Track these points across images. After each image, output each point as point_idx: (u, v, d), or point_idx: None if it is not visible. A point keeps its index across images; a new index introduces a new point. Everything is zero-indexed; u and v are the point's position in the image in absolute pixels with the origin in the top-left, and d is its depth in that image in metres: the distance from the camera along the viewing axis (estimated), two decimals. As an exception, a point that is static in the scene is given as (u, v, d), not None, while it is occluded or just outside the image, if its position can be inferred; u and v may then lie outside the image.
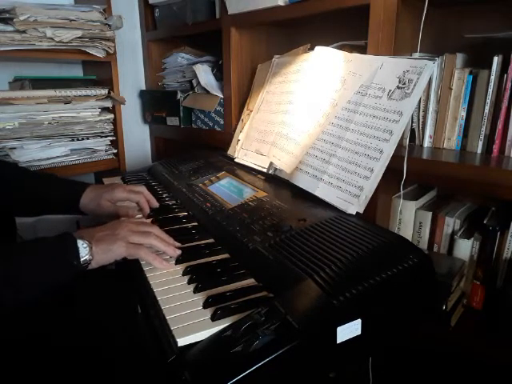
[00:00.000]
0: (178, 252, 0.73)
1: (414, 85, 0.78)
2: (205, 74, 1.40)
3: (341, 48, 1.01)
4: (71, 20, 1.26)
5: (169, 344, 0.52)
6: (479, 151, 0.88)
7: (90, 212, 0.92)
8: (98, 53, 1.34)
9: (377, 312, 0.58)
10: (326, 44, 1.03)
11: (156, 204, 0.95)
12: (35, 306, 0.64)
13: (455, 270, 0.86)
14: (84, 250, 0.65)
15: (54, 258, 0.64)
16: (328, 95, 0.93)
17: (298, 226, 0.74)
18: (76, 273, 0.65)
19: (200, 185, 1.04)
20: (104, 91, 1.41)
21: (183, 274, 0.68)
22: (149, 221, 0.89)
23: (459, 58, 0.90)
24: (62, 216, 1.41)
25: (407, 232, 0.98)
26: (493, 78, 0.83)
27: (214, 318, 0.55)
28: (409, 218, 0.97)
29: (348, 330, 0.53)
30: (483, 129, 0.87)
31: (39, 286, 0.63)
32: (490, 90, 0.84)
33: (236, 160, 1.18)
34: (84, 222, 1.41)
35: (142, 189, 0.95)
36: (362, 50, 0.94)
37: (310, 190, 0.86)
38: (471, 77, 0.88)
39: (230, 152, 1.23)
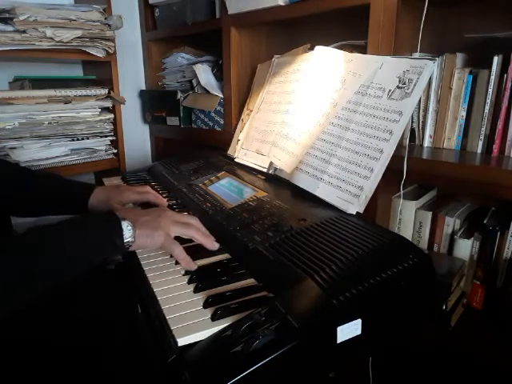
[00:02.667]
0: (217, 246, 0.74)
1: (414, 84, 0.78)
2: (205, 74, 1.40)
3: (341, 48, 1.01)
4: (71, 20, 1.25)
5: (169, 344, 0.52)
6: (479, 151, 0.88)
7: None
8: (98, 53, 1.33)
9: (377, 312, 0.58)
10: (326, 44, 1.03)
11: (165, 203, 0.96)
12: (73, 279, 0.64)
13: (455, 270, 0.86)
14: (128, 231, 0.66)
15: (100, 234, 0.66)
16: (328, 95, 0.93)
17: (298, 225, 0.74)
18: (117, 253, 0.68)
19: (200, 185, 1.04)
20: (104, 91, 1.41)
21: (183, 274, 0.68)
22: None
23: (459, 57, 0.90)
24: (62, 216, 1.41)
25: (407, 232, 0.98)
26: (493, 77, 0.83)
27: (214, 317, 0.55)
28: (409, 218, 0.97)
29: (348, 330, 0.53)
30: (483, 129, 0.87)
31: (83, 260, 0.64)
32: (490, 90, 0.84)
33: (236, 160, 1.18)
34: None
35: (148, 188, 0.97)
36: (362, 49, 0.94)
37: (310, 190, 0.86)
38: (471, 77, 0.88)
39: (230, 152, 1.23)
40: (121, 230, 0.66)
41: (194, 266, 0.69)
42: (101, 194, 0.92)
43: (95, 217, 0.70)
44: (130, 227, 0.66)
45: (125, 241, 0.66)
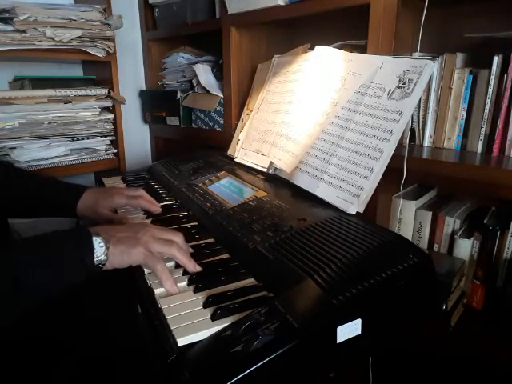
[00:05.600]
0: (198, 268, 0.67)
1: (415, 84, 0.78)
2: (205, 74, 1.40)
3: (341, 48, 1.01)
4: (71, 20, 1.25)
5: (169, 344, 0.52)
6: (479, 151, 0.88)
7: (87, 219, 0.89)
8: (98, 52, 1.34)
9: (377, 312, 0.58)
10: (326, 44, 1.03)
11: (158, 209, 0.91)
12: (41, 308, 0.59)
13: (455, 270, 0.86)
14: (100, 249, 0.60)
15: (65, 254, 0.59)
16: (328, 95, 0.93)
17: (298, 225, 0.74)
18: (88, 273, 0.60)
19: (200, 184, 1.04)
20: (104, 91, 1.41)
21: (183, 274, 0.68)
22: (148, 221, 0.88)
23: (459, 57, 0.90)
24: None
25: (407, 232, 0.98)
26: (493, 77, 0.83)
27: (214, 317, 0.55)
28: (409, 218, 0.97)
29: (348, 330, 0.53)
30: (483, 128, 0.87)
31: (47, 287, 0.58)
32: (490, 90, 0.84)
33: (236, 160, 1.18)
34: (84, 221, 1.41)
35: (141, 192, 0.91)
36: (362, 49, 0.94)
37: (310, 190, 0.86)
38: (471, 76, 0.88)
39: (230, 152, 1.23)
40: (91, 247, 0.59)
41: (176, 288, 0.62)
42: (89, 199, 0.87)
43: (63, 234, 0.62)
44: (102, 244, 0.60)
45: (95, 259, 0.59)
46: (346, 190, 0.80)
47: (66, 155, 1.38)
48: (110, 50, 1.36)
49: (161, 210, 0.91)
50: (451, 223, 0.93)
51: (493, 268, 0.86)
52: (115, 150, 1.50)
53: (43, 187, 0.92)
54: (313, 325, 0.52)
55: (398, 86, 0.80)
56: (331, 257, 0.62)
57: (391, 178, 0.82)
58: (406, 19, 0.90)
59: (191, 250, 0.72)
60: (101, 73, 1.48)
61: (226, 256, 0.74)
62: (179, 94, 1.47)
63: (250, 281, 0.65)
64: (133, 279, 0.71)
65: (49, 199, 0.90)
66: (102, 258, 0.60)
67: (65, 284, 0.60)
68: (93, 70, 1.54)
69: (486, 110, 0.85)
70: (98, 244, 0.60)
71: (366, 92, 0.85)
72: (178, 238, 0.69)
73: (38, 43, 1.21)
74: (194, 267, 0.67)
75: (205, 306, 0.59)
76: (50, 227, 1.39)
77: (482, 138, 0.87)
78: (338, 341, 0.53)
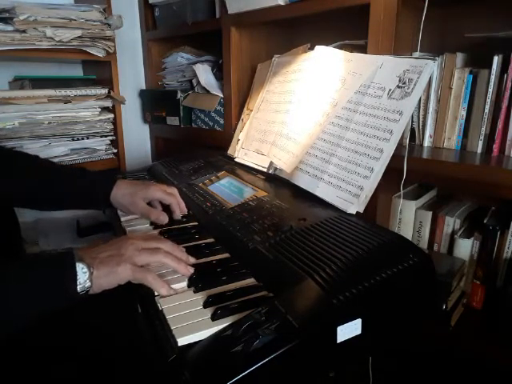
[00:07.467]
0: (191, 270, 0.66)
1: (415, 84, 0.78)
2: (205, 74, 1.40)
3: (341, 48, 1.01)
4: (71, 19, 1.25)
5: (169, 344, 0.52)
6: (479, 151, 0.88)
7: (121, 207, 0.90)
8: (98, 52, 1.33)
9: (377, 311, 0.58)
10: (326, 44, 1.03)
11: (185, 210, 0.92)
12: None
13: (455, 270, 0.86)
14: (83, 275, 0.58)
15: (47, 284, 0.58)
16: (328, 95, 0.93)
17: (298, 225, 0.73)
18: (73, 300, 0.59)
19: (200, 184, 1.04)
20: (104, 91, 1.41)
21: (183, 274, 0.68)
22: (156, 232, 0.86)
23: (459, 57, 0.90)
24: (62, 216, 1.41)
25: (407, 231, 0.98)
26: (493, 77, 0.83)
27: (214, 317, 0.55)
28: (409, 218, 0.97)
29: (348, 330, 0.53)
30: (483, 128, 0.87)
31: (29, 316, 0.58)
32: (490, 90, 0.84)
33: (236, 160, 1.18)
34: (84, 221, 1.41)
35: (175, 191, 0.93)
36: (362, 49, 0.94)
37: (310, 190, 0.86)
38: (471, 76, 0.88)
39: (230, 152, 1.23)
40: (74, 274, 0.58)
41: (173, 291, 0.62)
42: (126, 188, 0.89)
43: (43, 262, 0.61)
44: (85, 269, 0.59)
45: (79, 286, 0.58)
46: (346, 189, 0.80)
47: (66, 155, 1.38)
48: (109, 50, 1.36)
49: (185, 207, 0.93)
50: (451, 223, 0.93)
51: (493, 268, 0.86)
52: (115, 150, 1.50)
53: (72, 176, 0.92)
54: (313, 325, 0.52)
55: (398, 86, 0.80)
56: (331, 257, 0.62)
57: (391, 178, 0.82)
58: (406, 19, 0.90)
59: (184, 253, 0.70)
60: (101, 73, 1.48)
61: (226, 256, 0.74)
62: (179, 94, 1.47)
63: (250, 281, 0.65)
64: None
65: (80, 188, 0.90)
66: (87, 284, 0.59)
67: (47, 311, 0.59)
68: (93, 70, 1.54)
69: (486, 110, 0.85)
70: (81, 270, 0.59)
71: (366, 92, 0.85)
72: (163, 244, 0.67)
73: (38, 43, 1.21)
74: (185, 269, 0.66)
75: (205, 305, 0.59)
76: (50, 227, 1.39)
77: (481, 137, 0.87)
78: (338, 341, 0.53)
